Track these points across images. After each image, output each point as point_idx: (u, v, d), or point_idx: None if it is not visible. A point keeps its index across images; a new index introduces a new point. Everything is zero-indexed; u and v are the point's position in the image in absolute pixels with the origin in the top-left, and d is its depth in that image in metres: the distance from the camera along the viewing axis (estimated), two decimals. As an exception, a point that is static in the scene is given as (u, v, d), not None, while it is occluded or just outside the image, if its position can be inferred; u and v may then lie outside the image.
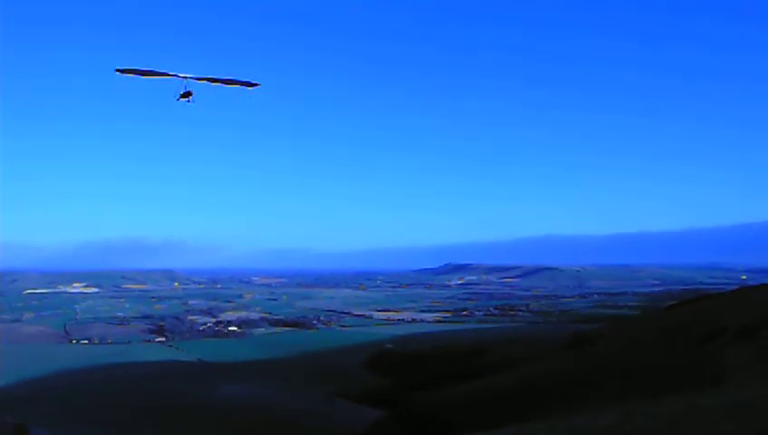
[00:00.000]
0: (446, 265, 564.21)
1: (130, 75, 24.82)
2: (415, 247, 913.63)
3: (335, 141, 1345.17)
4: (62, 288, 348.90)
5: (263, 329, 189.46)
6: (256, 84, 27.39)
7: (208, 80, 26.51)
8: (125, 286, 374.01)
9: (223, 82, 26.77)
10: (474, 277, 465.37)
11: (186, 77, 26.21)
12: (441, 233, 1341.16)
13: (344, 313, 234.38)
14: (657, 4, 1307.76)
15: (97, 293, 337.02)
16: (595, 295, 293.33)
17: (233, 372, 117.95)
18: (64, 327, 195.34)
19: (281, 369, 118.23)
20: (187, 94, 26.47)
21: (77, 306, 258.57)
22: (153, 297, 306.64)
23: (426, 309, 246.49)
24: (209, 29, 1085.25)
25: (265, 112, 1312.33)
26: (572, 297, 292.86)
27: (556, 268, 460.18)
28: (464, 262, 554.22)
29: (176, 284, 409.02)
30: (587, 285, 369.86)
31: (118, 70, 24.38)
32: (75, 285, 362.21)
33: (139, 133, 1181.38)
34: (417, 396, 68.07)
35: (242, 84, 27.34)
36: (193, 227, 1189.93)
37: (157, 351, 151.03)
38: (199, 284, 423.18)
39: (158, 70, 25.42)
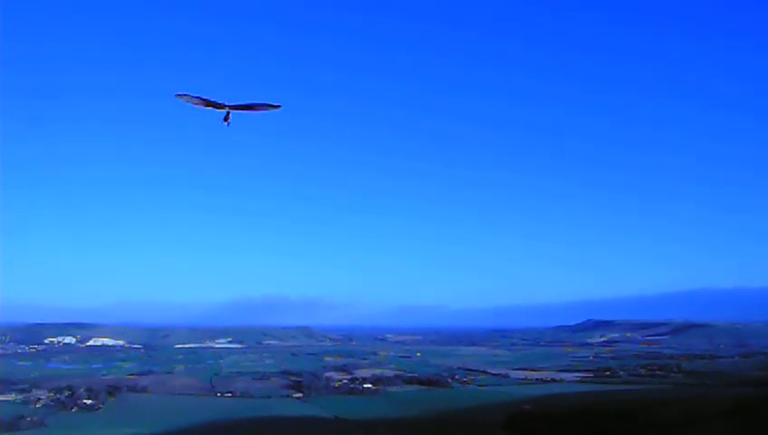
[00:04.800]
0: (586, 321, 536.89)
1: (185, 101, 27.76)
2: (552, 303, 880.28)
3: (470, 195, 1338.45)
4: (208, 343, 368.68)
5: (397, 387, 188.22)
6: (277, 106, 28.92)
7: (244, 107, 29.10)
8: (265, 342, 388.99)
9: (255, 109, 29.20)
10: (616, 335, 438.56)
11: (227, 106, 28.99)
12: (580, 287, 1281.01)
13: (480, 371, 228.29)
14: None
15: (240, 348, 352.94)
16: (759, 356, 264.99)
17: (368, 430, 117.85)
18: (210, 380, 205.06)
19: (416, 428, 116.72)
20: (226, 118, 29.19)
21: (222, 361, 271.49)
22: (292, 353, 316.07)
23: (565, 368, 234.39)
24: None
25: (392, 171, 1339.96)
26: (731, 357, 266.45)
27: (711, 325, 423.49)
28: (605, 318, 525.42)
29: (312, 340, 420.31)
30: (748, 343, 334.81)
31: (177, 95, 27.36)
32: (220, 340, 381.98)
33: (273, 193, 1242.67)
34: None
35: (265, 108, 29.17)
36: (328, 285, 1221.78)
37: (294, 406, 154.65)
38: (334, 340, 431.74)
39: (210, 99, 28.34)
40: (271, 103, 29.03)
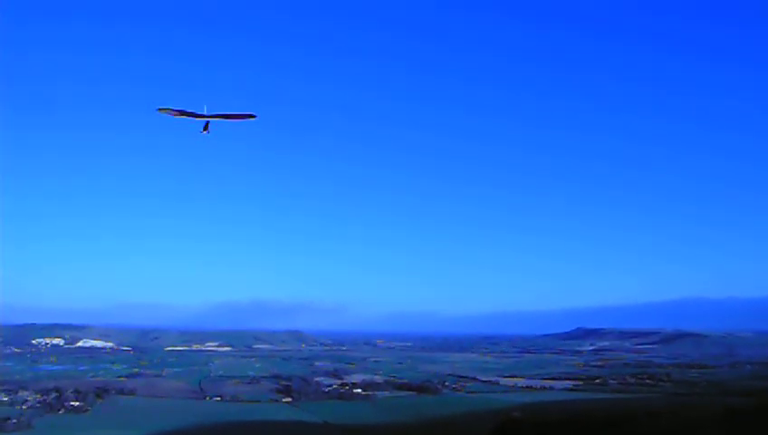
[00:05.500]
0: (576, 329, 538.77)
1: (168, 114, 28.92)
2: (543, 311, 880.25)
3: (462, 203, 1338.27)
4: (197, 346, 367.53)
5: (387, 392, 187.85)
6: (253, 116, 29.70)
7: (222, 117, 29.77)
8: (255, 346, 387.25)
9: (233, 118, 30.04)
10: (606, 343, 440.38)
11: (205, 116, 29.88)
12: (570, 295, 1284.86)
13: (470, 378, 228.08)
14: None
15: (229, 352, 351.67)
16: (748, 365, 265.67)
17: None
18: (199, 384, 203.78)
19: (405, 434, 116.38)
20: (205, 127, 30.27)
21: (211, 364, 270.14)
22: (281, 358, 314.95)
23: (555, 376, 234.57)
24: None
25: (388, 170, 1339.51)
26: (721, 367, 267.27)
27: (700, 334, 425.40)
28: (595, 326, 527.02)
29: (302, 344, 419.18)
30: (738, 353, 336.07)
31: (160, 109, 28.47)
32: (210, 343, 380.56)
33: (264, 199, 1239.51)
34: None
35: (241, 117, 29.94)
36: (320, 289, 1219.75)
37: (283, 410, 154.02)
38: (325, 345, 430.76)
39: (189, 110, 29.38)
40: (248, 113, 29.62)
